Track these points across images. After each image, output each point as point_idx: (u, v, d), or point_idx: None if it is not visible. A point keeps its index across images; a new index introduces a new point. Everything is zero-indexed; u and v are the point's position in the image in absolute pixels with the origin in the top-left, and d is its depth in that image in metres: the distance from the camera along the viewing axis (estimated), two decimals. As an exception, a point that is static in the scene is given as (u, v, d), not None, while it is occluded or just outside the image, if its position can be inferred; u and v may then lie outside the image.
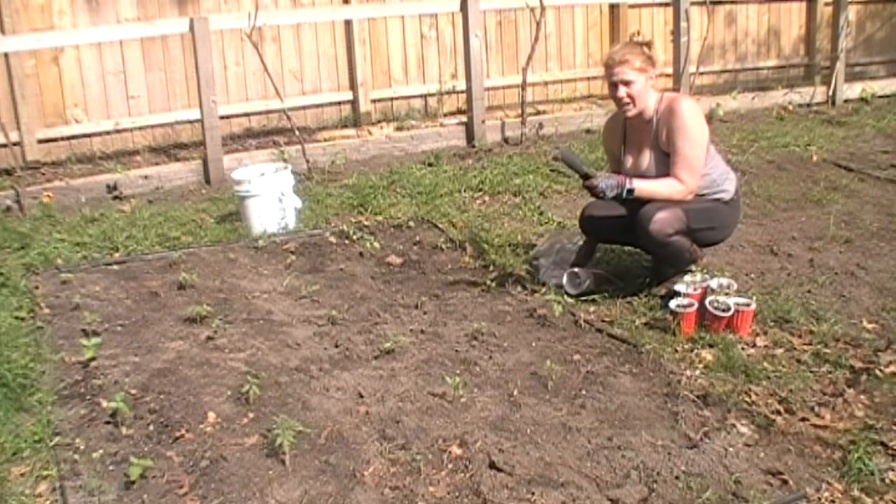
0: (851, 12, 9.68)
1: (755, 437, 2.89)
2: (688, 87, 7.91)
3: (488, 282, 4.25)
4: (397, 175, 6.27)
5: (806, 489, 2.62)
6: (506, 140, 7.48)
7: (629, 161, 4.04)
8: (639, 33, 4.00)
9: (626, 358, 3.48)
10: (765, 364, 3.37)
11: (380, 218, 5.42)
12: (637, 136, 4.01)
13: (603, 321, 3.85)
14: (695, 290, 3.77)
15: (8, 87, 6.80)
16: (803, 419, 3.00)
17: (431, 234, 5.08)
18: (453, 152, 7.09)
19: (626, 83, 3.84)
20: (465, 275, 4.42)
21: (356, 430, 2.97)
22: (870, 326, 3.72)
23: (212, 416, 3.06)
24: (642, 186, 3.81)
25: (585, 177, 3.86)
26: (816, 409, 3.07)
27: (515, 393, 3.21)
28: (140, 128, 7.46)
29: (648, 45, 3.92)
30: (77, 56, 7.13)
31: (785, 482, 2.65)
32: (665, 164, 3.88)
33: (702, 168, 3.85)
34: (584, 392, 3.22)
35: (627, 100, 3.86)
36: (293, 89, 8.01)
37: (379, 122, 8.29)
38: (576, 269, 4.12)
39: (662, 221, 3.77)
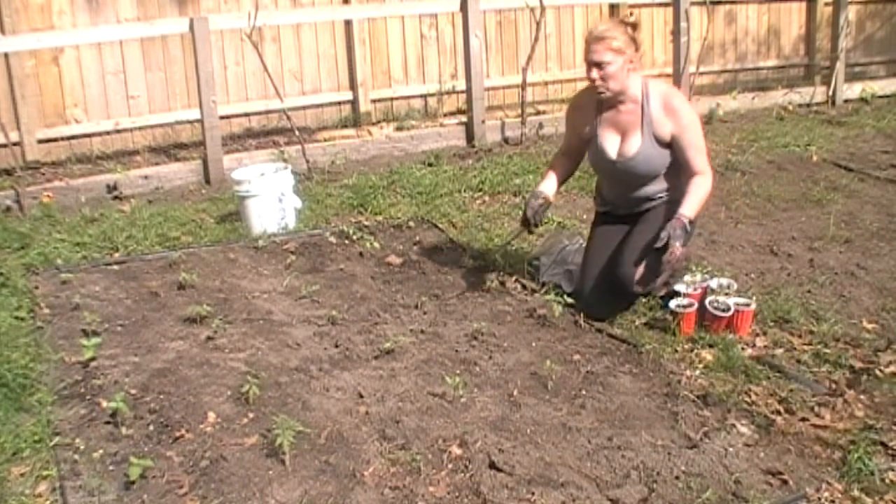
0: (851, 12, 9.67)
1: (755, 437, 2.90)
2: (688, 87, 7.92)
3: (488, 282, 4.25)
4: (397, 175, 6.27)
5: (806, 489, 2.62)
6: (506, 140, 7.48)
7: (611, 143, 3.89)
8: (631, 13, 3.89)
9: (626, 358, 3.49)
10: (765, 364, 3.37)
11: (380, 218, 5.42)
12: (619, 118, 3.86)
13: (603, 321, 3.85)
14: (695, 290, 3.78)
15: (8, 87, 6.79)
16: (803, 419, 3.00)
17: (431, 234, 5.08)
18: (453, 152, 7.09)
19: (601, 64, 3.70)
20: (465, 275, 4.41)
21: (356, 430, 2.97)
22: (870, 326, 3.72)
23: (212, 416, 3.06)
24: (693, 209, 3.67)
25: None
26: (816, 409, 3.07)
27: (515, 393, 3.21)
28: (140, 128, 7.45)
29: (634, 25, 3.78)
30: (77, 56, 7.13)
31: (785, 482, 2.65)
32: (656, 151, 3.80)
33: (704, 145, 3.84)
34: (584, 392, 3.22)
35: (601, 82, 3.74)
36: (293, 89, 8.00)
37: (379, 122, 8.28)
38: (572, 268, 4.13)
39: (641, 279, 3.73)
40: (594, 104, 3.91)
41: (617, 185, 4.01)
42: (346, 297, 4.18)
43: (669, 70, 8.30)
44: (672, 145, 3.80)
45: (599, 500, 2.58)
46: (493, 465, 2.73)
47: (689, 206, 3.69)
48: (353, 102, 8.30)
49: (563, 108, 8.53)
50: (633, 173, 3.87)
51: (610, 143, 3.90)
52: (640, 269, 3.73)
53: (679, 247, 3.55)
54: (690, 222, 3.66)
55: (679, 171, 3.84)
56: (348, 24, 8.04)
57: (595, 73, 3.74)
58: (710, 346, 3.54)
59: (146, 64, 7.42)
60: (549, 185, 4.07)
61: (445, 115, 8.36)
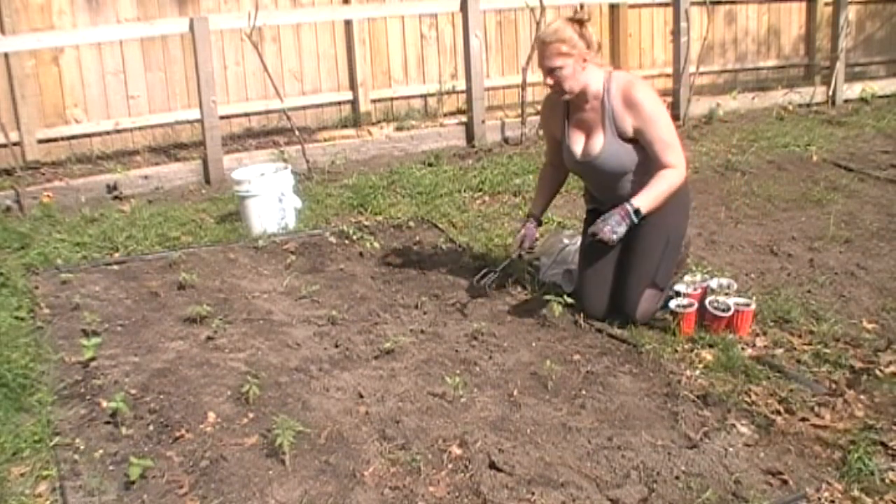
0: (851, 12, 9.68)
1: (755, 437, 2.89)
2: (688, 87, 7.92)
3: (488, 282, 4.25)
4: (397, 175, 6.28)
5: (806, 489, 2.62)
6: (506, 140, 7.48)
7: (577, 143, 3.83)
8: (582, 7, 3.72)
9: (626, 358, 3.48)
10: (765, 364, 3.37)
11: (380, 218, 5.42)
12: (584, 116, 3.78)
13: (603, 321, 3.84)
14: (695, 290, 3.77)
15: (8, 87, 6.80)
16: (803, 419, 3.00)
17: (431, 234, 5.08)
18: (453, 152, 7.09)
19: (552, 70, 3.63)
20: (465, 275, 4.41)
21: (356, 430, 2.97)
22: (870, 326, 3.72)
23: (212, 416, 3.06)
24: (647, 201, 3.59)
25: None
26: (816, 409, 3.07)
27: (515, 393, 3.20)
28: (140, 128, 7.46)
29: (581, 21, 3.63)
30: (77, 56, 7.13)
31: (785, 482, 2.65)
32: (621, 147, 3.70)
33: (677, 138, 3.70)
34: (584, 392, 3.22)
35: (557, 86, 3.67)
36: (293, 89, 8.01)
37: (379, 122, 8.29)
38: (571, 268, 4.13)
39: (645, 313, 3.72)
40: (563, 105, 3.86)
41: (592, 184, 3.98)
42: (346, 297, 4.18)
43: (669, 70, 8.31)
44: (638, 140, 3.69)
45: (599, 500, 2.58)
46: (493, 465, 2.73)
47: (643, 197, 3.59)
48: (353, 102, 8.31)
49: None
50: (601, 171, 3.79)
51: (576, 143, 3.84)
52: (644, 302, 3.71)
53: (607, 231, 3.53)
54: (636, 212, 3.56)
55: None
56: (348, 24, 8.04)
57: (549, 79, 3.69)
58: (710, 346, 3.54)
59: (146, 64, 7.42)
60: (540, 206, 4.20)
61: (445, 115, 8.36)
